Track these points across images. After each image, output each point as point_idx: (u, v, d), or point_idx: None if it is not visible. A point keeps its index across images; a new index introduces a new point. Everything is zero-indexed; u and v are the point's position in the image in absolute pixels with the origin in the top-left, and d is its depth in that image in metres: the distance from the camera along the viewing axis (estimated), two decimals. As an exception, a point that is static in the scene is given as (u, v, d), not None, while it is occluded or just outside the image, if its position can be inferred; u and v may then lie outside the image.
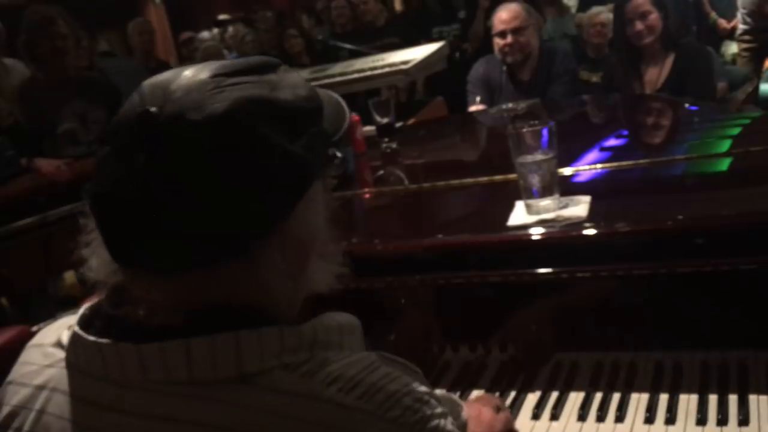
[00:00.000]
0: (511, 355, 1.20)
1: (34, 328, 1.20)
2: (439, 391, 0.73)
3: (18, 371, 0.68)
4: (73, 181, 2.77)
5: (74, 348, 0.63)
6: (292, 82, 0.64)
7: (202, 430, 0.57)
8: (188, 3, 9.24)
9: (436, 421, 0.61)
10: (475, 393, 1.21)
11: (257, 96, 0.60)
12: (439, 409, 0.62)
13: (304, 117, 0.63)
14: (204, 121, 0.57)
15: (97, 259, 0.63)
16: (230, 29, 6.72)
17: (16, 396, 0.66)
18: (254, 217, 0.59)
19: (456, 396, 0.99)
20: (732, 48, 4.59)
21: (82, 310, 0.66)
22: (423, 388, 0.62)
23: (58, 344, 0.66)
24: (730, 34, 4.64)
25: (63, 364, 0.64)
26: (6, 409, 0.66)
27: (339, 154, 0.69)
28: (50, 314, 0.72)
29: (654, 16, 2.54)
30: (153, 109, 0.58)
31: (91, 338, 0.61)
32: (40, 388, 0.64)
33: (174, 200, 0.57)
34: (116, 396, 0.60)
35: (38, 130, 2.91)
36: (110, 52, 5.72)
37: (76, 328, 0.63)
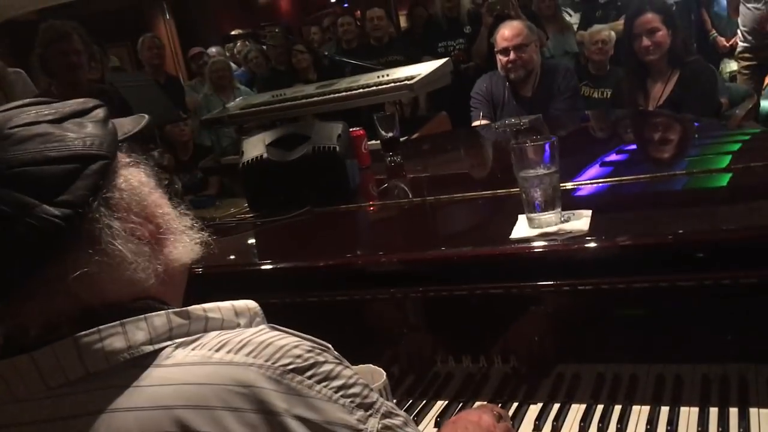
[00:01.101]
0: (512, 366, 1.21)
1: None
2: (358, 366, 0.77)
3: None
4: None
5: None
6: (75, 101, 0.72)
7: (105, 417, 0.59)
8: (198, 18, 9.35)
9: (330, 366, 0.63)
10: (478, 404, 1.22)
11: (35, 110, 0.67)
12: (334, 360, 0.64)
13: (84, 111, 0.70)
14: None
15: None
16: (239, 44, 6.80)
17: None
18: (67, 201, 0.62)
19: (379, 368, 1.00)
20: (731, 66, 4.63)
21: None
22: (318, 346, 0.65)
23: None
24: (730, 53, 4.68)
25: None
26: None
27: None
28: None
29: (662, 33, 2.56)
30: None
31: None
32: None
33: None
34: (26, 411, 0.62)
35: None
36: (120, 67, 5.79)
37: None
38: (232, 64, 6.02)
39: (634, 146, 2.23)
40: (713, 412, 1.07)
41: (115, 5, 8.27)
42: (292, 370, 0.61)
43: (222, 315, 0.68)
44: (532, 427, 1.14)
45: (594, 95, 3.65)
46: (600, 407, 1.14)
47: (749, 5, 4.30)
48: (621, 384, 1.15)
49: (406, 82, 3.09)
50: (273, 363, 0.61)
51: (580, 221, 1.23)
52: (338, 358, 0.66)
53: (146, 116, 0.80)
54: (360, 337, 1.29)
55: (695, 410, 1.09)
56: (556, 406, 1.17)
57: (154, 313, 0.64)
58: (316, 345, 0.65)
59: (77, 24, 2.96)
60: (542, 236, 1.22)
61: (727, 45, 4.73)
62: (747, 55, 4.38)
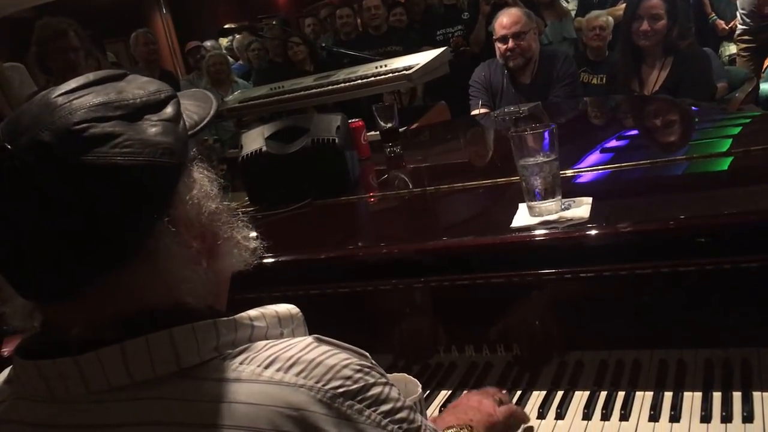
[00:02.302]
0: (515, 354, 1.22)
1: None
2: (393, 375, 0.75)
3: None
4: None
5: (19, 377, 0.65)
6: (140, 82, 0.66)
7: (150, 429, 0.58)
8: (195, 12, 9.32)
9: (379, 388, 0.62)
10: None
11: (103, 100, 0.61)
12: (382, 379, 0.63)
13: (157, 106, 0.64)
14: (58, 137, 0.58)
15: (12, 306, 0.65)
16: (239, 36, 6.78)
17: None
18: (132, 216, 0.59)
19: (413, 378, 0.98)
20: (730, 49, 4.61)
21: (20, 341, 0.67)
22: (365, 362, 0.64)
23: (8, 381, 0.68)
24: (729, 35, 4.66)
25: (13, 396, 0.66)
26: None
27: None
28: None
29: (662, 23, 2.58)
30: (7, 145, 0.58)
31: (30, 362, 0.62)
32: None
33: (48, 224, 0.57)
34: (63, 413, 0.61)
35: None
36: (117, 63, 5.77)
37: (15, 357, 0.65)
38: (229, 58, 5.99)
39: (634, 132, 2.22)
40: (716, 396, 1.08)
41: (112, 1, 8.24)
42: (342, 394, 0.60)
43: (267, 323, 0.66)
44: (536, 414, 1.14)
45: (593, 81, 3.64)
46: (603, 393, 1.14)
47: (748, -13, 4.29)
48: (624, 370, 1.15)
49: (404, 72, 3.08)
50: (323, 385, 0.60)
51: (581, 209, 1.23)
52: (382, 374, 0.65)
53: (211, 97, 0.75)
54: (363, 329, 1.30)
55: (698, 395, 1.09)
56: (560, 393, 1.17)
57: (201, 322, 0.62)
58: (364, 364, 0.63)
59: (74, 21, 2.95)
60: (543, 224, 1.22)
61: (727, 28, 4.71)
62: (746, 37, 4.37)
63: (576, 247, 1.17)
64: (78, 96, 0.61)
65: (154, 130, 0.62)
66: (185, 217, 0.64)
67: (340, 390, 0.60)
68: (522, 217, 1.26)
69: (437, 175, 1.98)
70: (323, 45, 5.09)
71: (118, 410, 0.60)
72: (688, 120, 2.21)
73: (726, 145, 1.61)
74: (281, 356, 0.61)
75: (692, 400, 1.09)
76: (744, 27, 4.37)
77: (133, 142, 0.60)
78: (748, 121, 2.11)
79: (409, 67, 3.11)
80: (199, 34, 7.81)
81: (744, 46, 4.38)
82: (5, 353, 1.63)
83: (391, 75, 3.12)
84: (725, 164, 1.46)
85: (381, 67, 3.29)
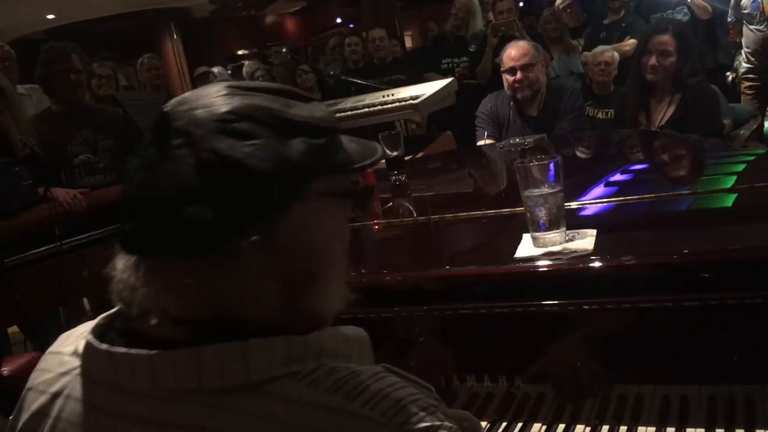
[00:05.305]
0: (517, 386, 1.21)
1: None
2: (452, 410, 0.74)
3: (37, 378, 0.70)
4: (89, 210, 2.84)
5: (87, 357, 0.65)
6: (313, 106, 0.66)
7: None
8: (204, 39, 9.49)
9: None
10: (482, 425, 1.21)
11: (264, 105, 0.62)
12: (447, 422, 0.61)
13: (311, 132, 0.63)
14: (207, 117, 0.61)
15: (116, 282, 0.65)
16: (248, 63, 6.87)
17: (34, 403, 0.68)
18: (230, 212, 0.59)
19: (473, 416, 0.97)
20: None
21: (96, 320, 0.68)
22: (431, 400, 0.62)
23: (75, 353, 0.68)
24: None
25: (78, 371, 0.66)
26: (25, 415, 0.68)
27: (359, 181, 0.70)
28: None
29: (671, 60, 2.59)
30: (167, 108, 0.63)
31: (104, 347, 0.63)
32: (56, 395, 0.66)
33: (168, 183, 0.59)
34: (127, 403, 0.61)
35: (55, 159, 3.02)
36: (131, 86, 5.85)
37: (89, 337, 0.65)
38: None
39: (638, 166, 2.23)
40: (720, 434, 1.07)
41: (124, 26, 8.40)
42: None
43: (336, 344, 0.65)
44: (537, 447, 1.13)
45: (598, 115, 3.67)
46: (605, 428, 1.13)
47: (752, 27, 4.33)
48: (626, 404, 1.14)
49: (411, 101, 3.12)
50: (388, 420, 0.58)
51: (585, 240, 1.24)
52: (446, 414, 0.63)
53: (378, 149, 0.72)
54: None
55: (701, 432, 1.08)
56: (561, 426, 1.16)
57: (275, 338, 0.61)
58: (430, 402, 0.62)
59: (76, 45, 3.19)
60: (547, 255, 1.22)
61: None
62: (751, 75, 4.40)
63: (579, 278, 1.17)
64: (247, 93, 0.63)
65: (295, 148, 0.61)
66: (287, 242, 0.62)
67: (405, 427, 0.58)
68: (526, 248, 1.26)
69: (442, 204, 1.98)
70: (331, 73, 5.16)
71: (185, 412, 0.59)
72: (694, 156, 2.22)
73: (730, 181, 1.62)
74: (348, 383, 0.60)
75: (695, 437, 1.07)
76: (749, 65, 4.41)
77: (268, 150, 0.60)
78: (752, 158, 2.12)
79: (416, 97, 3.15)
80: (209, 60, 7.94)
81: (749, 84, 4.41)
82: (5, 372, 1.63)
83: (398, 104, 3.16)
84: (729, 200, 1.47)
85: (388, 96, 3.33)
